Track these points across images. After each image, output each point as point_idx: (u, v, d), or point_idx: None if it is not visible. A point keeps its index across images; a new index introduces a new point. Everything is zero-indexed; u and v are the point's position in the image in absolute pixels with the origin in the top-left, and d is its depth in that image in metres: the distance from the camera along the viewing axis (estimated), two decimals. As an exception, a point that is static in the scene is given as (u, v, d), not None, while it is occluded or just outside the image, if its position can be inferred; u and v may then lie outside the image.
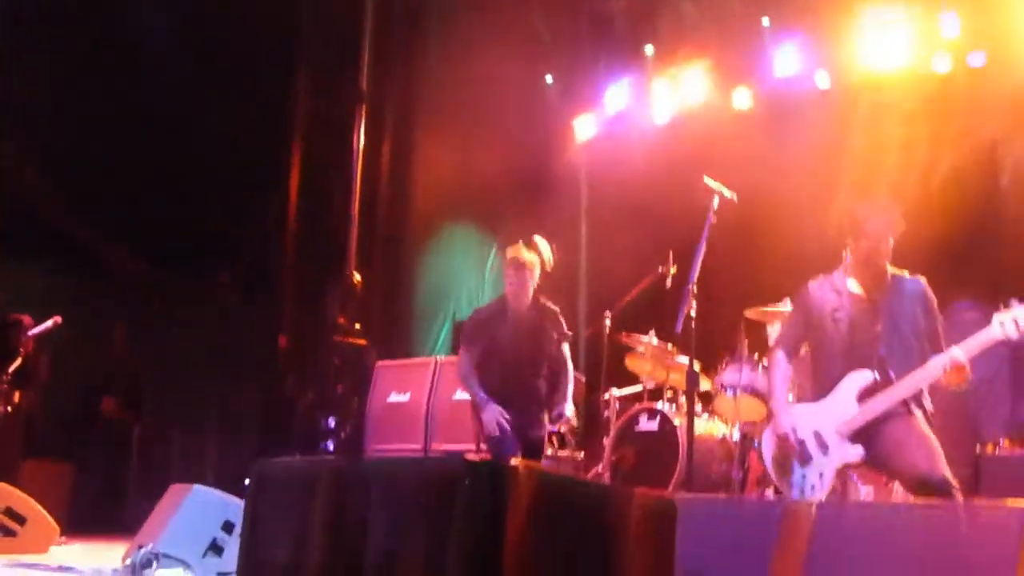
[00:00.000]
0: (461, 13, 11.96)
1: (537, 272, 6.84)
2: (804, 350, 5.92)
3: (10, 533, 6.47)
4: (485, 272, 12.24)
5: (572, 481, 3.17)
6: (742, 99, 10.80)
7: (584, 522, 2.94)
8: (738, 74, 10.84)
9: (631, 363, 8.70)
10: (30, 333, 8.78)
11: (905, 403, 5.15)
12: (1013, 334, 4.96)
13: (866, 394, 5.18)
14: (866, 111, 10.38)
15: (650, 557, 3.07)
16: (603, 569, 2.96)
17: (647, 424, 8.02)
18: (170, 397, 11.15)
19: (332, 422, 9.85)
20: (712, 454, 7.79)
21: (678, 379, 8.32)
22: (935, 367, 5.05)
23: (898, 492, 6.52)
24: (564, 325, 6.95)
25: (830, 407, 5.27)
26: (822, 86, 10.46)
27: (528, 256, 6.82)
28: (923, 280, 5.48)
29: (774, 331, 7.84)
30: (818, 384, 5.45)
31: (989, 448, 7.98)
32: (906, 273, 5.53)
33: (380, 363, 9.18)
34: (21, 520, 6.52)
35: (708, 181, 6.51)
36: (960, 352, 5.03)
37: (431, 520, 2.82)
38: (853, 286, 5.49)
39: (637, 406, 8.31)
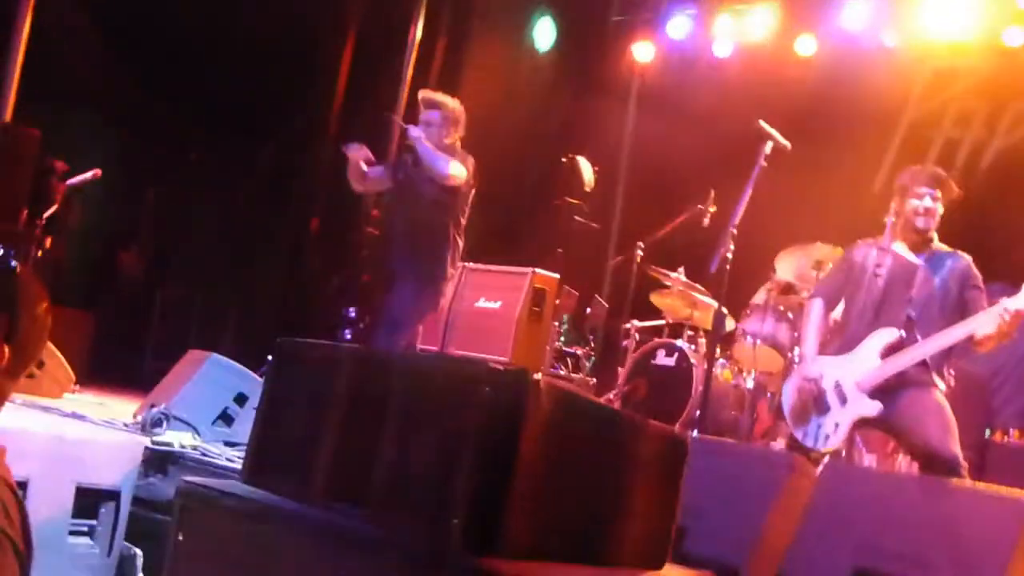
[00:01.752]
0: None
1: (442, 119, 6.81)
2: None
3: (29, 375, 6.55)
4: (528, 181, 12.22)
5: (591, 404, 3.20)
6: (806, 45, 10.69)
7: (598, 443, 2.98)
8: (805, 20, 10.72)
9: (656, 298, 8.72)
10: (68, 182, 8.84)
11: (927, 373, 5.17)
12: None
13: (890, 351, 5.22)
14: (928, 76, 10.27)
15: (658, 488, 3.11)
16: (612, 491, 3.01)
17: (664, 359, 8.07)
18: (197, 264, 11.23)
19: (352, 312, 9.89)
20: (723, 399, 7.84)
21: (700, 319, 8.34)
22: (960, 328, 5.07)
23: (901, 465, 6.59)
24: None
25: (853, 360, 5.32)
26: (887, 43, 10.34)
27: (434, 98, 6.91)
28: (968, 257, 5.48)
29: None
30: (845, 338, 5.48)
31: (998, 436, 8.00)
32: (957, 252, 5.55)
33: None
34: (40, 363, 6.60)
35: (763, 125, 6.45)
36: (987, 316, 5.04)
37: (447, 422, 2.86)
38: (898, 247, 5.51)
39: (656, 340, 8.35)
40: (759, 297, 8.02)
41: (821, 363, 5.48)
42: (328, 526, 2.97)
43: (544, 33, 12.13)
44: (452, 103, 6.87)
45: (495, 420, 2.75)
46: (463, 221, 6.88)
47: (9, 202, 8.67)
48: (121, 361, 10.23)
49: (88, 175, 8.78)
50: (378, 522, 2.91)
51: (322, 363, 3.40)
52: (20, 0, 9.77)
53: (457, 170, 6.59)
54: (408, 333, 6.78)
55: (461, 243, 6.91)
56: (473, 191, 6.89)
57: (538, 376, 2.81)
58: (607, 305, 10.11)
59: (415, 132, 6.60)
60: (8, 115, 9.58)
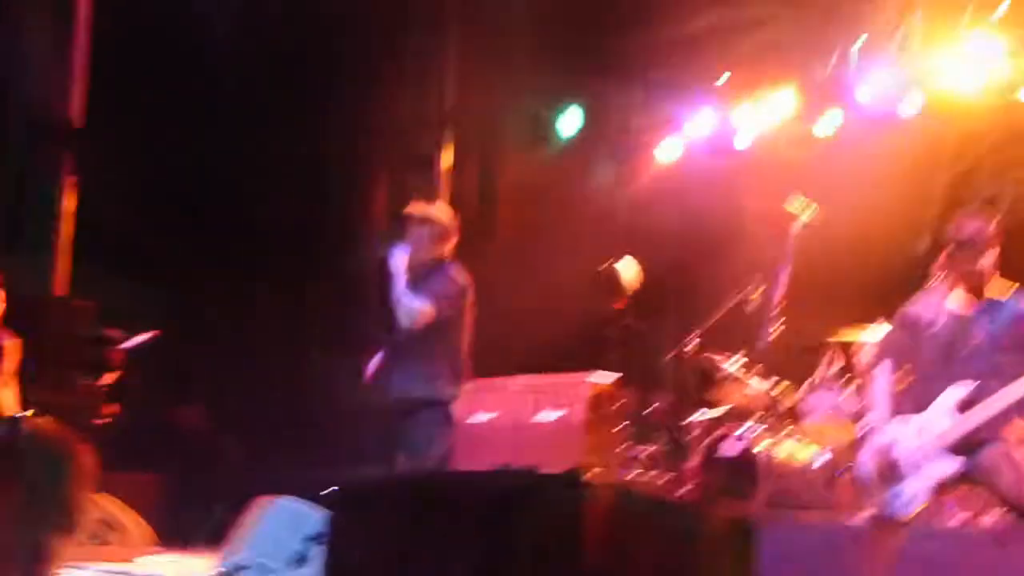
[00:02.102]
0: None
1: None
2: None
3: (104, 541, 6.59)
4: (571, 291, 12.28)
5: (648, 497, 3.17)
6: (825, 124, 10.69)
7: (661, 537, 2.95)
8: (822, 99, 10.74)
9: (717, 388, 8.64)
10: (125, 346, 8.97)
11: (1003, 424, 5.07)
12: None
13: (963, 407, 5.12)
14: (955, 139, 10.25)
15: (731, 571, 3.06)
16: (681, 582, 2.96)
17: (732, 448, 7.95)
18: (257, 415, 11.28)
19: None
20: (798, 479, 7.70)
21: (765, 403, 8.25)
22: None
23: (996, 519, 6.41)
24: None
25: (927, 422, 5.23)
26: (909, 112, 10.32)
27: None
28: None
29: (863, 356, 7.78)
30: (915, 400, 5.39)
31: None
32: (1014, 290, 5.47)
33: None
34: (115, 529, 6.64)
35: (791, 202, 6.48)
36: None
37: (507, 533, 2.84)
38: (951, 302, 5.45)
39: (722, 429, 8.25)
40: (820, 372, 7.95)
41: (895, 427, 5.39)
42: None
43: (571, 121, 12.21)
44: (441, 216, 6.87)
45: (552, 525, 2.73)
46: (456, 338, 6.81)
47: (69, 373, 8.81)
48: (192, 517, 10.24)
49: (146, 336, 8.91)
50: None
51: (377, 493, 3.42)
52: (62, 178, 10.07)
53: (423, 307, 6.48)
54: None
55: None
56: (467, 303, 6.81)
57: (591, 475, 2.80)
58: (669, 402, 10.05)
59: (397, 261, 6.58)
60: (63, 289, 9.79)
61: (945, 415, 5.19)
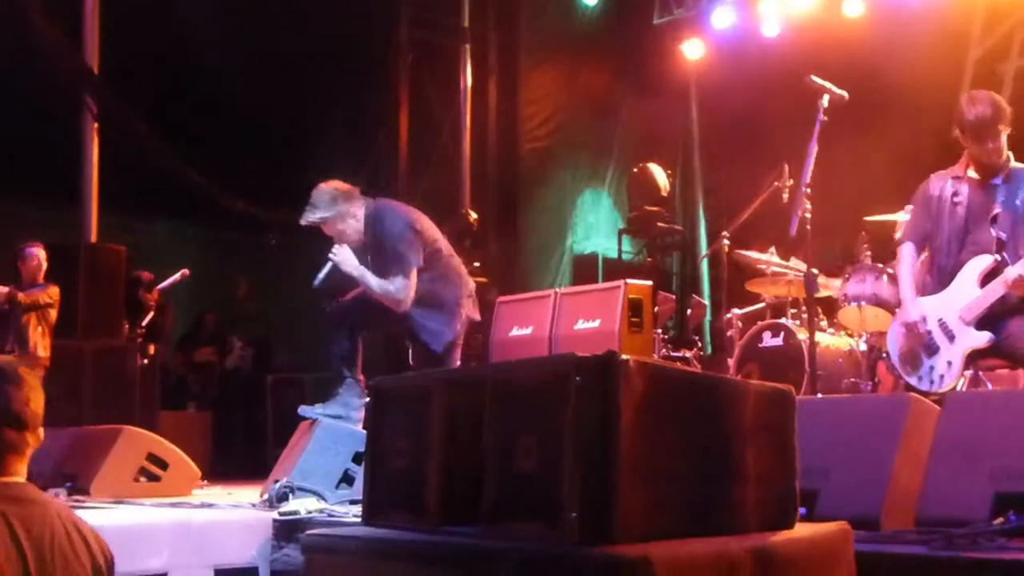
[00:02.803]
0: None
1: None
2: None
3: (154, 478, 6.69)
4: (601, 201, 12.21)
5: (685, 373, 3.14)
6: (853, 6, 10.52)
7: (699, 413, 2.92)
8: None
9: (752, 284, 8.61)
10: (159, 287, 9.06)
11: None
12: None
13: (988, 278, 5.10)
14: (985, 11, 10.07)
15: (769, 445, 3.04)
16: (722, 458, 2.94)
17: (771, 340, 7.94)
18: (299, 344, 11.39)
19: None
20: (839, 367, 7.68)
21: (801, 293, 8.20)
22: None
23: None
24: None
25: (953, 295, 5.22)
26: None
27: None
28: None
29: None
30: (939, 274, 5.37)
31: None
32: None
33: (500, 299, 9.20)
34: (164, 465, 6.74)
35: (815, 79, 6.37)
36: None
37: (544, 419, 2.84)
38: (973, 173, 5.40)
39: (760, 323, 8.23)
40: (857, 257, 7.89)
41: (921, 304, 5.38)
42: (446, 549, 2.95)
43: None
44: (322, 191, 6.33)
45: (590, 407, 2.71)
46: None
47: (108, 318, 8.91)
48: (243, 452, 10.39)
49: (177, 276, 8.98)
50: (493, 535, 2.89)
51: (416, 393, 3.41)
52: (85, 125, 10.08)
53: (403, 291, 6.23)
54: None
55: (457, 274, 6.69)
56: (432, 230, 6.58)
57: (625, 357, 2.77)
58: (706, 303, 10.02)
59: (345, 265, 6.23)
60: (93, 236, 9.86)
61: (970, 286, 5.18)
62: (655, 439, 2.77)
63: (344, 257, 6.22)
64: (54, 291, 8.48)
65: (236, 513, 5.37)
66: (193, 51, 10.71)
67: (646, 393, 2.75)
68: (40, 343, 8.39)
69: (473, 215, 10.99)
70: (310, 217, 6.28)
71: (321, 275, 6.28)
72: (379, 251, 6.36)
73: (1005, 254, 5.14)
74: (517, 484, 2.90)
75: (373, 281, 6.23)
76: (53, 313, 8.46)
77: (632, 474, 2.70)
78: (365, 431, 5.95)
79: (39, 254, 8.58)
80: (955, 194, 5.40)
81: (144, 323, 8.88)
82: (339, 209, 6.28)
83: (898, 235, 7.69)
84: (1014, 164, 5.41)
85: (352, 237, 6.32)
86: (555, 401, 2.80)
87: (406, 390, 3.54)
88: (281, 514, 5.28)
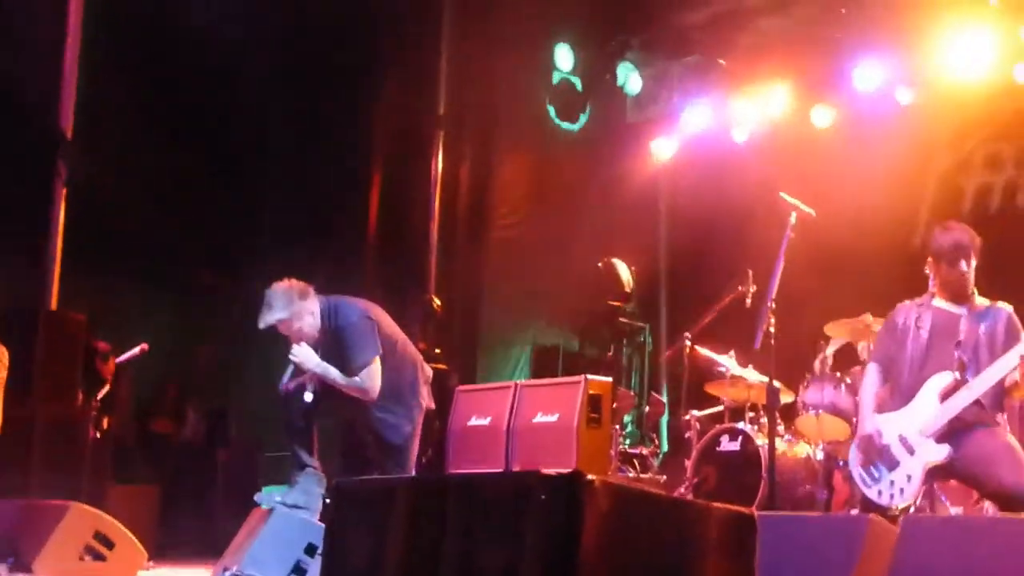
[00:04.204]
0: (536, 41, 12.02)
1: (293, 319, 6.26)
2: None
3: (99, 557, 6.58)
4: (565, 294, 12.26)
5: (649, 495, 3.16)
6: (822, 116, 10.71)
7: (661, 536, 2.93)
8: (817, 91, 10.75)
9: (711, 386, 8.67)
10: (118, 360, 8.96)
11: (989, 413, 5.15)
12: None
13: (948, 394, 5.21)
14: (951, 128, 10.26)
15: (732, 568, 3.05)
16: (682, 581, 2.95)
17: (729, 445, 7.97)
18: (255, 419, 11.28)
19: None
20: (796, 474, 7.72)
21: (759, 398, 8.26)
22: (1012, 356, 5.11)
23: (988, 512, 6.43)
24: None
25: (913, 410, 5.33)
26: (903, 101, 10.34)
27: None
28: (1008, 307, 5.55)
29: (861, 349, 7.84)
30: (900, 393, 5.47)
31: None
32: (996, 303, 5.58)
33: (460, 388, 9.19)
34: (110, 545, 6.63)
35: (785, 197, 6.49)
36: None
37: (507, 534, 2.84)
38: (939, 303, 5.54)
39: (718, 427, 8.27)
40: (817, 366, 7.97)
41: (881, 420, 5.47)
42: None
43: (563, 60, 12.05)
44: (278, 291, 6.28)
45: (554, 524, 2.73)
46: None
47: (63, 386, 8.80)
48: (193, 528, 10.23)
49: (136, 351, 8.90)
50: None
51: (379, 495, 3.41)
52: (54, 188, 10.04)
53: (369, 381, 6.25)
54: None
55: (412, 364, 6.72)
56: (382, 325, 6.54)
57: (591, 476, 2.78)
58: (665, 401, 10.05)
59: (306, 363, 6.20)
60: (53, 302, 9.77)
61: (930, 402, 5.28)
62: (619, 559, 2.78)
63: (305, 356, 6.21)
64: (2, 353, 8.37)
65: (184, 600, 5.28)
66: (170, 118, 10.73)
67: (612, 514, 2.76)
68: None
69: (437, 301, 11.00)
70: (268, 319, 6.24)
71: (286, 378, 6.30)
72: (337, 345, 6.35)
73: (967, 375, 5.24)
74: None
75: (337, 375, 6.24)
76: (3, 374, 8.34)
77: (594, 594, 2.71)
78: (321, 523, 5.96)
79: None
80: (919, 318, 5.53)
81: (100, 395, 8.77)
82: (296, 308, 6.26)
83: (860, 347, 7.84)
84: (979, 299, 5.56)
85: (310, 334, 6.31)
86: (519, 516, 2.81)
87: (369, 491, 3.54)
88: (230, 604, 5.21)
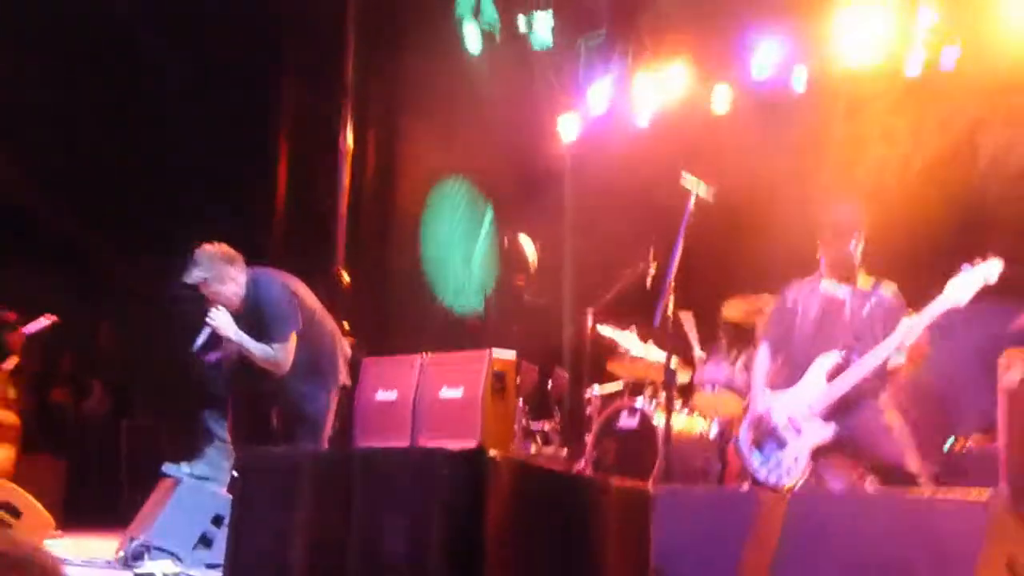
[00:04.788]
0: (445, 11, 12.00)
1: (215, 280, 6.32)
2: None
3: (6, 526, 6.52)
4: (472, 266, 12.32)
5: (549, 471, 3.25)
6: (721, 99, 10.85)
7: (561, 510, 3.03)
8: (717, 73, 10.89)
9: (612, 362, 8.76)
10: (24, 331, 8.84)
11: (874, 393, 5.31)
12: (962, 300, 5.11)
13: (835, 373, 5.37)
14: (844, 108, 10.43)
15: (626, 544, 3.16)
16: (580, 555, 3.05)
17: (627, 421, 8.09)
18: (158, 392, 11.20)
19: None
20: (691, 449, 7.87)
21: (658, 375, 8.38)
22: (894, 338, 5.26)
23: (869, 486, 6.65)
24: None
25: (801, 390, 5.49)
26: (800, 85, 10.52)
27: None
28: (892, 285, 5.69)
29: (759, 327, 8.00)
30: (789, 373, 5.62)
31: (959, 444, 8.09)
32: (881, 282, 5.71)
33: (366, 359, 9.21)
34: (17, 514, 6.57)
35: (686, 176, 6.61)
36: (915, 320, 5.20)
37: (412, 510, 2.90)
38: (825, 286, 5.68)
39: (617, 403, 8.38)
40: (713, 345, 8.11)
41: (770, 398, 5.61)
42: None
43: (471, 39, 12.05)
44: (205, 252, 6.35)
45: (457, 500, 2.80)
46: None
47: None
48: (98, 500, 10.14)
49: (44, 322, 8.79)
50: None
51: (285, 469, 3.45)
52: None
53: (283, 354, 6.29)
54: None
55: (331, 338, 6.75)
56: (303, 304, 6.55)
57: (493, 453, 2.86)
58: (567, 376, 10.15)
59: (223, 329, 6.20)
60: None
61: (817, 382, 5.43)
62: (520, 532, 2.87)
63: (223, 321, 6.21)
64: None
65: (89, 572, 5.27)
66: (68, 95, 10.54)
67: (514, 489, 2.85)
68: None
69: (345, 275, 10.98)
70: (192, 274, 6.27)
71: (200, 340, 6.27)
72: (256, 316, 6.36)
73: (853, 355, 5.40)
74: (382, 568, 2.96)
75: (253, 345, 6.25)
76: None
77: (496, 567, 2.79)
78: (228, 495, 5.97)
79: None
80: (807, 297, 5.68)
81: (9, 367, 8.64)
82: (218, 270, 6.29)
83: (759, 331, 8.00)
84: (863, 279, 5.70)
85: (231, 300, 6.33)
86: (424, 491, 2.88)
87: (276, 464, 3.57)
88: (136, 575, 5.21)
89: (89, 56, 10.68)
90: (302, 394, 6.51)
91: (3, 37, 9.91)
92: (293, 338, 6.32)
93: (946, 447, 7.95)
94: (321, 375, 6.59)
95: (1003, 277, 5.61)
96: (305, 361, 6.44)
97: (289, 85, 11.96)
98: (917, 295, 5.71)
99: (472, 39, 11.81)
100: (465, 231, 12.39)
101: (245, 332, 6.29)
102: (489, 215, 12.15)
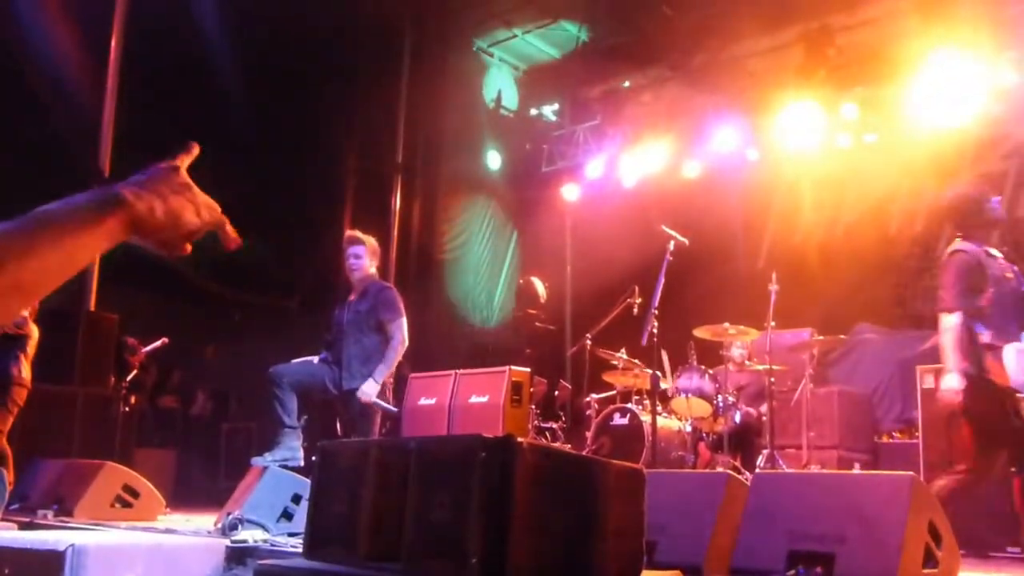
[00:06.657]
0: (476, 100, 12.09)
1: (368, 252, 6.35)
2: None
3: (127, 505, 6.50)
4: (495, 301, 12.32)
5: (564, 454, 3.20)
6: (691, 169, 10.88)
7: (574, 484, 2.98)
8: (687, 149, 10.94)
9: (607, 375, 8.73)
10: (143, 350, 8.85)
11: None
12: None
13: None
14: (786, 178, 10.51)
15: (625, 511, 3.10)
16: (589, 520, 2.99)
17: (620, 420, 8.03)
18: (251, 400, 11.17)
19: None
20: (670, 442, 7.81)
21: (644, 384, 8.34)
22: None
23: (813, 470, 6.56)
24: (392, 307, 6.32)
25: None
26: (752, 159, 10.56)
27: (360, 235, 6.41)
28: None
29: (726, 350, 7.95)
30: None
31: (884, 438, 8.07)
32: None
33: (412, 375, 9.17)
34: (136, 495, 6.56)
35: (665, 229, 6.59)
36: None
37: (456, 485, 2.86)
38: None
39: (611, 406, 8.33)
40: (686, 361, 8.07)
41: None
42: (373, 580, 2.94)
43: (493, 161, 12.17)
44: (371, 239, 6.46)
45: (492, 475, 2.76)
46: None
47: (99, 371, 8.65)
48: (201, 485, 10.10)
49: (158, 343, 8.79)
50: (412, 571, 2.89)
51: (354, 455, 3.41)
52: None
53: (399, 333, 6.25)
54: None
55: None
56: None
57: (520, 439, 2.82)
58: (570, 387, 10.10)
59: (371, 396, 6.11)
60: (92, 304, 9.59)
61: None
62: (541, 502, 2.82)
63: (371, 393, 6.17)
64: (34, 332, 8.09)
65: (196, 539, 5.21)
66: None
67: (536, 468, 2.80)
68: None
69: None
70: (356, 235, 6.39)
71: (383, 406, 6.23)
72: (373, 300, 6.31)
73: None
74: (433, 532, 2.92)
75: (386, 370, 6.22)
76: (32, 350, 8.07)
77: (523, 529, 2.74)
78: (304, 478, 5.92)
79: None
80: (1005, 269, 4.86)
81: (128, 379, 8.65)
82: (374, 253, 6.43)
83: (725, 346, 7.95)
84: None
85: (365, 276, 6.36)
86: (465, 470, 2.83)
87: (347, 450, 3.53)
88: (233, 541, 5.14)
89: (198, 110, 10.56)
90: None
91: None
92: (404, 320, 6.31)
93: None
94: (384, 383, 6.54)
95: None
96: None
97: (353, 160, 12.00)
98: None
99: (493, 160, 12.04)
100: (488, 274, 12.40)
101: (362, 312, 6.26)
102: (510, 257, 12.15)
